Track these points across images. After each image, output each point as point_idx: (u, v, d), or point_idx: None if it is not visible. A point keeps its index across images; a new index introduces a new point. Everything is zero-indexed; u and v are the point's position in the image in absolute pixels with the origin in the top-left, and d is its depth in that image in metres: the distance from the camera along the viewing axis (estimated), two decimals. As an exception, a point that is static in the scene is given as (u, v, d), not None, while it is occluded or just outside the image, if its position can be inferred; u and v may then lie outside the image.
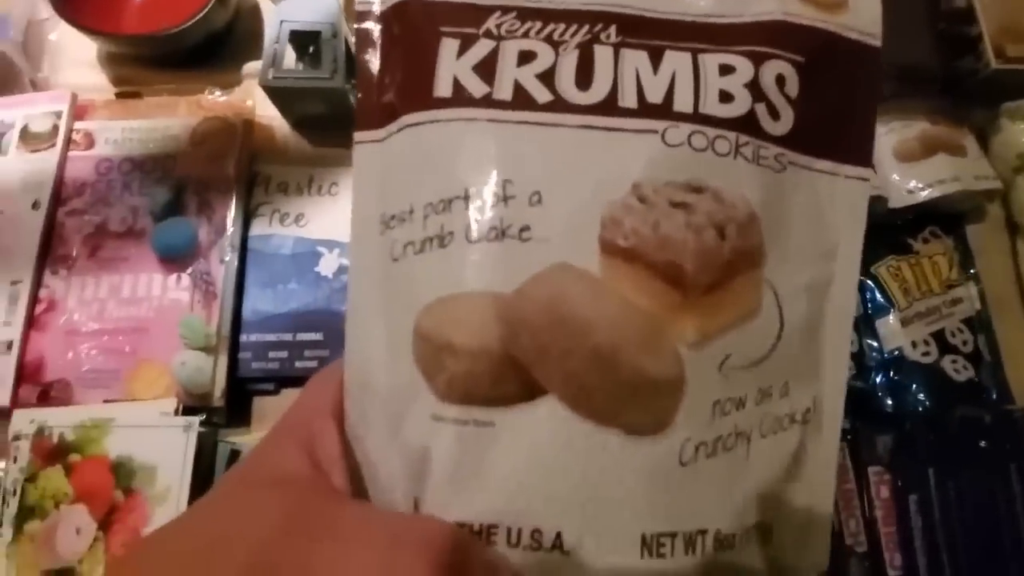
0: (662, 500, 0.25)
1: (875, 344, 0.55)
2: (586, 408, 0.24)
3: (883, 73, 0.30)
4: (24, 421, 0.49)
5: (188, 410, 0.50)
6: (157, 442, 0.48)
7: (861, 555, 0.49)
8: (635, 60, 0.28)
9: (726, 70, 0.28)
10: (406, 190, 0.28)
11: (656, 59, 0.28)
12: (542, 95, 0.27)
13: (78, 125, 0.57)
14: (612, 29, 0.29)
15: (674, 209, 0.26)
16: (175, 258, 0.53)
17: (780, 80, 0.28)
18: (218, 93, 0.58)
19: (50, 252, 0.54)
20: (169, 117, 0.57)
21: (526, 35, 0.28)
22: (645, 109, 0.27)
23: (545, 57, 0.28)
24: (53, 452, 0.48)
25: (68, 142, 0.57)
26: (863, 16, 0.30)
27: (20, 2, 0.59)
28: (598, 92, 0.27)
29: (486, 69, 0.28)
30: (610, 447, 0.24)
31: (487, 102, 0.27)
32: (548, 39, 0.28)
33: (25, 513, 0.47)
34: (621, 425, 0.24)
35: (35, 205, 0.55)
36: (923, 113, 0.60)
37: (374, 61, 0.30)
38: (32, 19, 0.60)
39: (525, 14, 0.29)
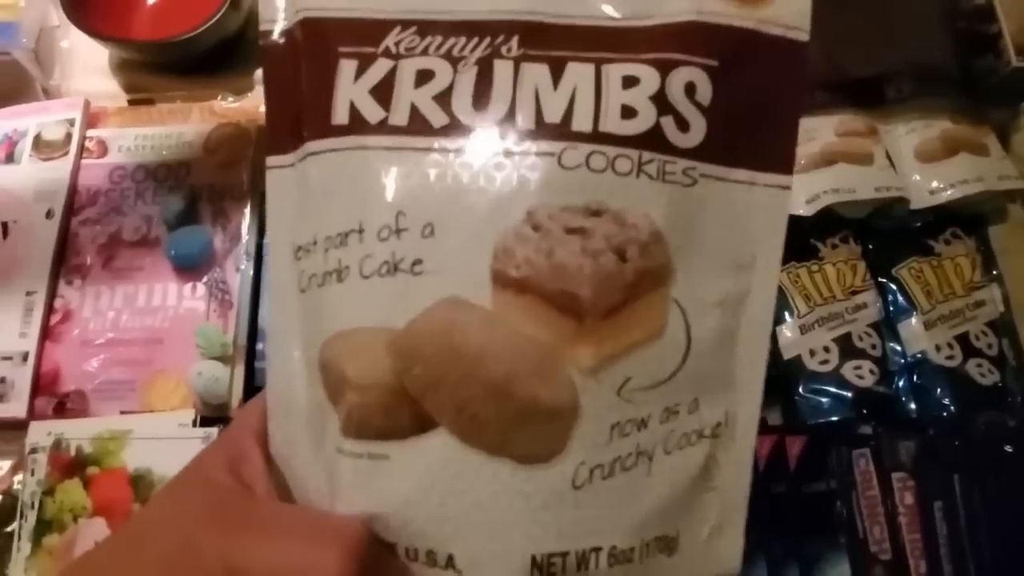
0: (553, 522, 0.25)
1: (898, 348, 0.55)
2: (477, 440, 0.24)
3: (807, 71, 0.29)
4: (41, 433, 0.49)
5: (205, 420, 0.50)
6: (176, 454, 0.47)
7: (886, 563, 0.49)
8: (535, 75, 0.27)
9: (630, 82, 0.27)
10: (310, 222, 0.27)
11: (557, 72, 0.27)
12: (438, 118, 0.27)
13: (91, 133, 0.57)
14: (514, 41, 0.28)
15: (569, 235, 0.25)
16: (190, 267, 0.53)
17: (690, 88, 0.27)
18: (231, 99, 0.58)
19: (64, 262, 0.54)
20: (182, 124, 0.57)
21: (425, 52, 0.28)
22: (542, 130, 0.26)
23: (443, 76, 0.27)
24: (71, 465, 0.48)
25: (81, 150, 0.56)
26: (788, 7, 0.28)
27: (32, 9, 0.58)
28: (495, 113, 0.27)
29: (383, 92, 0.27)
30: (501, 476, 0.24)
31: (383, 128, 0.27)
32: (447, 55, 0.28)
33: (43, 527, 0.47)
34: (512, 455, 0.24)
35: (49, 214, 0.54)
36: (944, 113, 0.59)
37: (280, 82, 0.29)
38: (44, 26, 0.59)
39: (426, 28, 0.28)
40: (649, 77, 0.27)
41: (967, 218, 0.59)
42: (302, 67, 0.29)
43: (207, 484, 0.26)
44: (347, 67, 0.28)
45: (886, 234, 0.57)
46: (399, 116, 0.27)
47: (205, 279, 0.53)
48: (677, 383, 0.26)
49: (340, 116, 0.27)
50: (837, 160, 0.56)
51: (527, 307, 0.25)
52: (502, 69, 0.27)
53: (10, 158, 0.56)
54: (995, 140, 0.59)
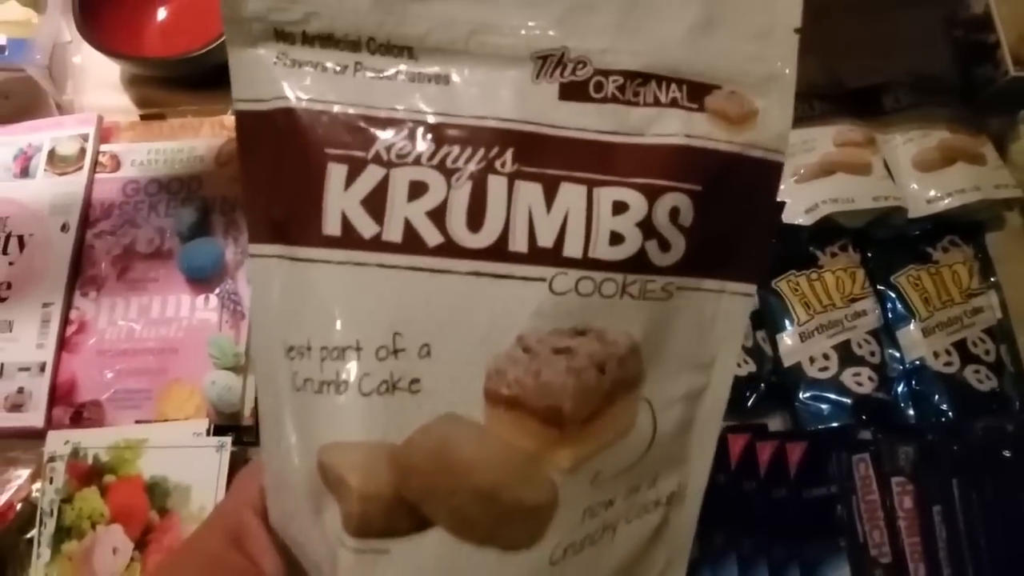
0: None
1: (896, 354, 0.56)
2: (468, 535, 0.27)
3: (778, 188, 0.30)
4: (59, 442, 0.50)
5: (219, 429, 0.51)
6: (191, 462, 0.49)
7: (886, 566, 0.50)
8: (529, 195, 0.28)
9: (620, 208, 0.28)
10: (304, 327, 0.28)
11: (550, 193, 0.28)
12: (432, 237, 0.27)
13: (104, 147, 0.58)
14: (508, 154, 0.28)
15: (556, 356, 0.27)
16: (203, 278, 0.54)
17: (674, 213, 0.28)
18: (241, 113, 0.59)
19: (80, 274, 0.55)
20: (193, 138, 0.58)
21: (417, 162, 0.27)
22: (535, 254, 0.27)
23: (437, 191, 0.27)
24: (88, 473, 0.49)
25: (95, 164, 0.57)
26: (770, 130, 0.29)
27: (45, 26, 0.59)
28: (489, 234, 0.27)
29: (375, 204, 0.27)
30: (488, 562, 0.27)
31: (377, 244, 0.27)
32: (441, 166, 0.27)
33: (62, 533, 0.48)
34: (498, 545, 0.27)
35: (64, 227, 0.55)
36: (941, 122, 0.60)
37: (259, 168, 0.29)
38: (56, 43, 0.60)
39: (416, 132, 0.28)
40: (638, 203, 0.28)
41: (965, 226, 0.59)
42: (284, 160, 0.28)
43: (214, 563, 0.27)
44: (336, 172, 0.27)
45: (884, 242, 0.58)
46: (393, 232, 0.27)
47: (217, 291, 0.54)
48: (641, 467, 0.29)
49: (332, 226, 0.27)
50: (836, 170, 0.57)
51: (515, 421, 0.27)
52: (496, 187, 0.28)
53: (25, 172, 0.58)
54: (992, 149, 0.60)
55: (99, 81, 0.62)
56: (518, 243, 0.27)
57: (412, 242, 0.27)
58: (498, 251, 0.27)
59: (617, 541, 0.29)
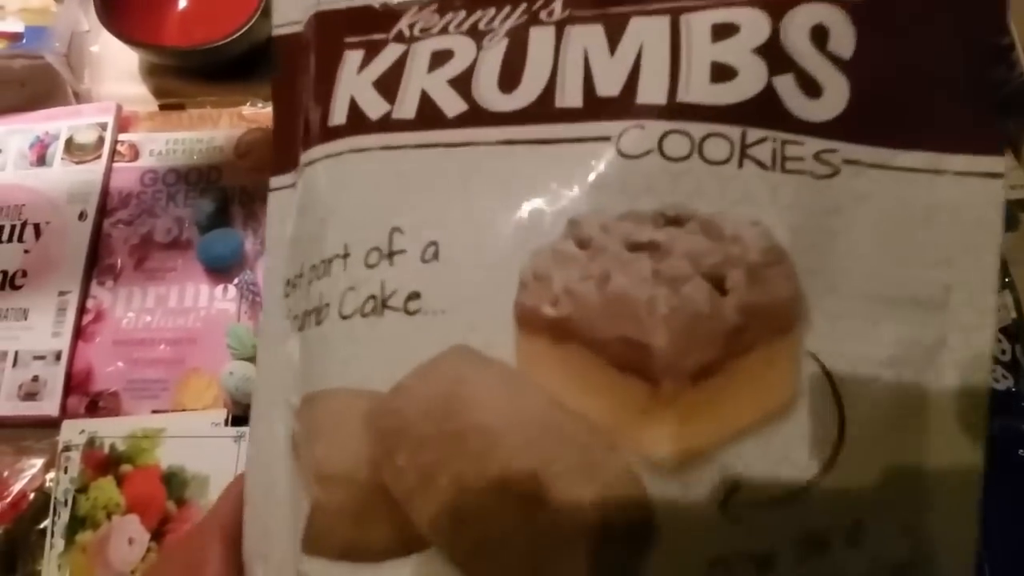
0: None
1: (914, 354, 0.56)
2: (490, 572, 0.16)
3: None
4: (74, 431, 0.50)
5: (236, 419, 0.50)
6: (208, 452, 0.48)
7: (904, 564, 0.50)
8: (585, 39, 0.20)
9: (724, 31, 0.19)
10: (300, 248, 0.22)
11: (616, 32, 0.20)
12: (453, 106, 0.21)
13: (122, 137, 0.58)
14: (557, 2, 0.21)
15: (634, 254, 0.17)
16: (221, 269, 0.54)
17: (820, 34, 0.19)
18: (260, 104, 0.59)
19: (97, 263, 0.55)
20: (212, 129, 0.58)
21: (444, 31, 0.22)
22: (594, 107, 0.19)
23: (464, 56, 0.21)
24: (104, 463, 0.49)
25: (113, 153, 0.57)
26: None
27: (64, 14, 0.59)
28: (528, 92, 0.20)
29: (389, 82, 0.22)
30: None
31: (384, 124, 0.21)
32: (472, 31, 0.21)
33: (76, 523, 0.48)
34: None
35: (82, 216, 0.55)
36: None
37: (286, 89, 0.25)
38: (75, 31, 0.60)
39: (448, 2, 0.22)
40: (754, 22, 0.19)
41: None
42: (308, 69, 0.24)
43: None
44: (351, 59, 0.23)
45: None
46: (405, 108, 0.21)
47: (236, 281, 0.53)
48: (823, 496, 0.17)
49: (338, 116, 0.22)
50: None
51: (569, 363, 0.17)
52: (540, 39, 0.21)
53: (42, 161, 0.57)
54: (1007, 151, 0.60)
55: (117, 70, 0.62)
56: (568, 97, 0.20)
57: (427, 115, 0.21)
58: (539, 111, 0.20)
59: None
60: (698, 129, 0.18)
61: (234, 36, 0.56)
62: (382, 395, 0.18)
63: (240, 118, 0.58)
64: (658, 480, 0.16)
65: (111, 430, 0.50)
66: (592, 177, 0.18)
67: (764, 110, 0.18)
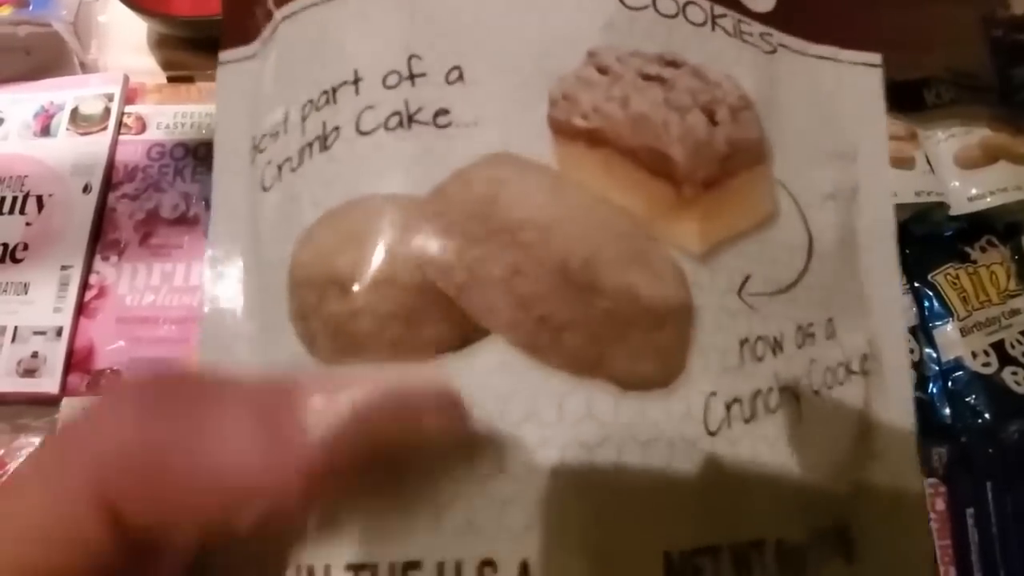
0: (690, 494, 0.17)
1: (933, 353, 0.55)
2: (554, 353, 0.16)
3: None
4: (74, 410, 0.49)
5: (240, 402, 0.49)
6: (212, 434, 0.47)
7: (918, 567, 0.49)
8: None
9: None
10: (280, 96, 0.21)
11: None
12: None
13: (129, 109, 0.57)
14: None
15: (647, 82, 0.19)
16: (228, 247, 0.52)
17: None
18: (271, 80, 0.58)
19: (101, 237, 0.53)
20: (221, 103, 0.56)
21: None
22: None
23: None
24: (105, 441, 0.48)
25: (119, 126, 0.56)
26: None
27: (72, -19, 0.58)
28: None
29: None
30: (598, 411, 0.16)
31: None
32: None
33: (76, 503, 0.47)
34: (610, 376, 0.16)
35: (86, 189, 0.54)
36: (983, 120, 0.60)
37: None
38: (82, 0, 0.58)
39: None
40: None
41: (1001, 226, 0.59)
42: None
43: None
44: None
45: (921, 240, 0.57)
46: None
47: (243, 260, 0.52)
48: (805, 291, 0.20)
49: None
50: (879, 163, 0.56)
51: (605, 165, 0.18)
52: None
53: (46, 131, 0.56)
54: (1034, 149, 0.59)
55: (125, 41, 0.60)
56: None
57: None
58: None
59: (807, 422, 0.18)
60: None
61: (246, 8, 0.54)
62: (420, 198, 0.17)
63: (250, 93, 0.57)
64: (693, 266, 0.18)
65: (112, 409, 0.48)
66: (603, 20, 0.20)
67: None
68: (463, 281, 0.17)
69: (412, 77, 0.19)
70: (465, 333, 0.16)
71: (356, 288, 0.17)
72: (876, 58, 0.24)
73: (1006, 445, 0.51)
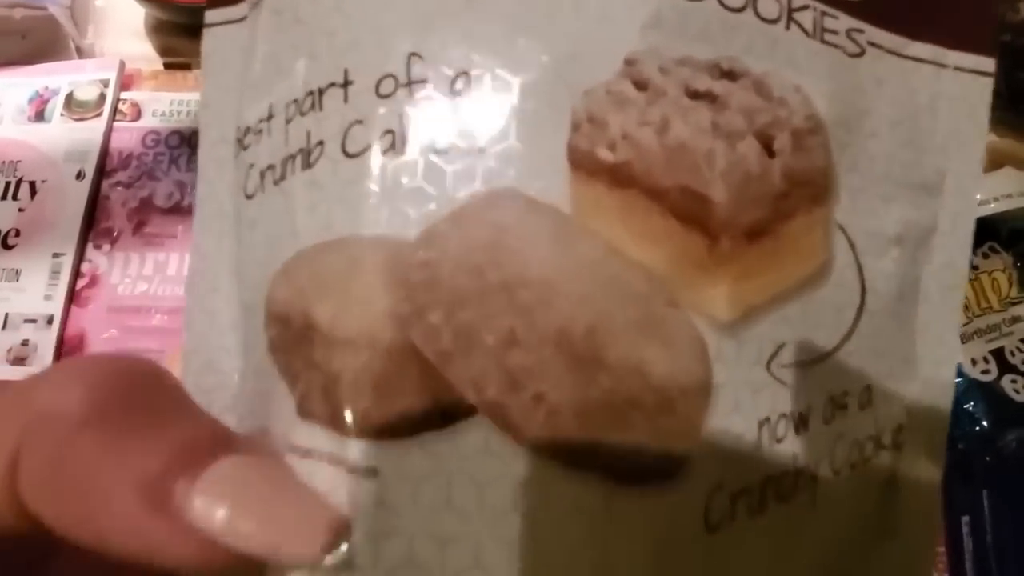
0: None
1: (932, 360, 0.54)
2: (544, 440, 0.14)
3: None
4: (64, 399, 0.48)
5: (232, 395, 0.49)
6: (203, 427, 0.47)
7: None
8: None
9: None
10: (266, 87, 0.18)
11: None
12: None
13: (124, 95, 0.56)
14: None
15: (694, 102, 0.16)
16: (223, 238, 0.52)
17: None
18: (269, 69, 0.57)
19: (94, 225, 0.53)
20: (218, 91, 0.56)
21: None
22: None
23: None
24: (94, 432, 0.47)
25: (115, 112, 0.55)
26: None
27: (68, -35, 0.57)
28: None
29: None
30: (588, 508, 0.14)
31: None
32: None
33: (64, 493, 0.46)
34: (606, 467, 0.14)
35: (79, 175, 0.53)
36: (989, 125, 0.59)
37: None
38: (79, -17, 0.58)
39: None
40: None
41: (1005, 232, 0.58)
42: None
43: None
44: None
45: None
46: None
47: (237, 251, 0.52)
48: (846, 357, 0.17)
49: None
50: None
51: (627, 209, 0.15)
52: None
53: (40, 116, 0.55)
54: (1040, 155, 0.59)
55: (121, 26, 0.59)
56: None
57: None
58: None
59: (821, 509, 0.16)
60: None
61: (246, -5, 0.54)
62: (407, 243, 0.15)
63: (248, 82, 0.56)
64: (717, 338, 0.15)
65: (102, 399, 0.48)
66: (647, 11, 0.16)
67: None
68: (449, 348, 0.14)
69: (411, 84, 0.16)
70: (445, 410, 0.14)
71: (333, 344, 0.15)
72: (990, 64, 0.20)
73: (1004, 453, 0.51)
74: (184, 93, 0.56)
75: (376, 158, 0.16)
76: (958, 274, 0.19)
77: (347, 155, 0.16)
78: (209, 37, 0.20)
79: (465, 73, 0.16)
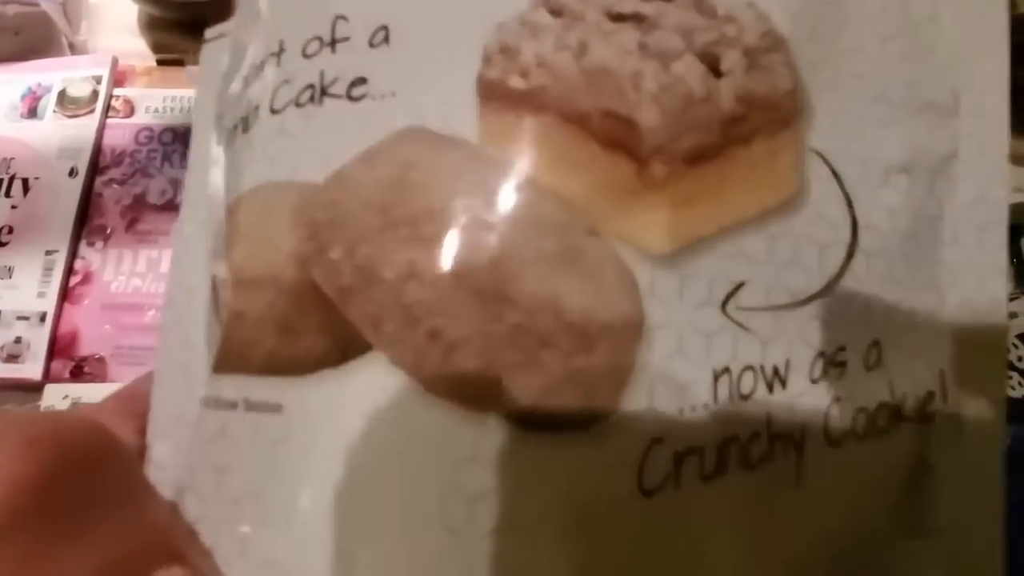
0: (608, 572, 0.13)
1: (929, 356, 0.54)
2: (444, 376, 0.13)
3: None
4: (57, 396, 0.48)
5: (226, 392, 0.49)
6: (196, 425, 0.47)
7: (909, 571, 0.48)
8: None
9: None
10: (237, 68, 0.20)
11: None
12: None
13: (117, 92, 0.56)
14: None
15: (617, 24, 0.15)
16: (216, 235, 0.52)
17: None
18: (263, 65, 0.57)
19: (87, 222, 0.52)
20: (212, 88, 0.56)
21: None
22: None
23: None
24: (87, 430, 0.47)
25: (107, 108, 0.55)
26: None
27: (61, -39, 0.56)
28: None
29: None
30: (486, 454, 0.12)
31: None
32: None
33: (57, 491, 0.46)
34: (509, 412, 0.13)
35: (72, 172, 0.53)
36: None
37: None
38: (72, -21, 0.58)
39: None
40: None
41: (1002, 228, 0.58)
42: None
43: None
44: None
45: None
46: None
47: (231, 248, 0.51)
48: (837, 303, 0.15)
49: None
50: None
51: (542, 137, 0.14)
52: None
53: (33, 113, 0.55)
54: (1037, 151, 0.58)
55: (114, 22, 0.59)
56: None
57: None
58: None
59: (808, 481, 0.14)
60: None
61: (239, -9, 0.53)
62: (316, 185, 0.15)
63: (242, 78, 0.56)
64: (650, 271, 0.13)
65: (96, 396, 0.47)
66: None
67: None
68: (348, 284, 0.14)
69: (334, 43, 0.16)
70: (345, 346, 0.14)
71: (239, 283, 0.15)
72: None
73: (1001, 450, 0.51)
74: (177, 89, 0.56)
75: (294, 111, 0.16)
76: (993, 209, 0.16)
77: (272, 112, 0.17)
78: (205, 51, 0.22)
79: (384, 27, 0.16)
